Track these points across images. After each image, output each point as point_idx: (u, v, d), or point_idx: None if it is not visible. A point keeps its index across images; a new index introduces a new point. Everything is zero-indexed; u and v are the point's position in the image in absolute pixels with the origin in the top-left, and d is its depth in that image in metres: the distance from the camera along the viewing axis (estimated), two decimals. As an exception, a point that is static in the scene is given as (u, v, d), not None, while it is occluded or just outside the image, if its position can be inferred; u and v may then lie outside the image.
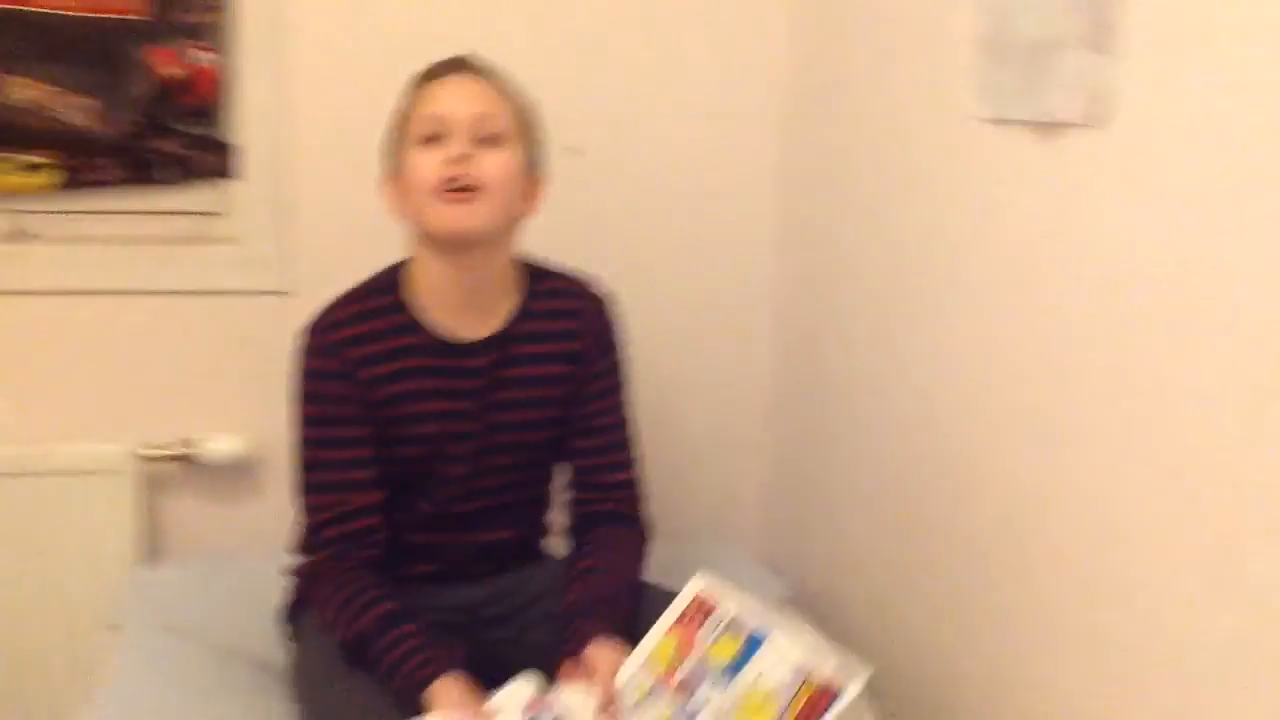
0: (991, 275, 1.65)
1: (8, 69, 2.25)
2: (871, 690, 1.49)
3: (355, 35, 2.32)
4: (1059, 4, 1.42)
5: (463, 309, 1.81)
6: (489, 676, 1.84)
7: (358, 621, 1.70)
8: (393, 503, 1.81)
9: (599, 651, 1.66)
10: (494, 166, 1.73)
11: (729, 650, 1.58)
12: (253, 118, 2.30)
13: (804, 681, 1.48)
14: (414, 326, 1.80)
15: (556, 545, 2.01)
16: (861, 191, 2.07)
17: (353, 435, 1.78)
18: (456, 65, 1.78)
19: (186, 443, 2.35)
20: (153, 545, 2.36)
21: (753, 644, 1.56)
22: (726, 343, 2.54)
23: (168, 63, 2.30)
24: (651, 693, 1.60)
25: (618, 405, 1.91)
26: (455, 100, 1.73)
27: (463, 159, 1.70)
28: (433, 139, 1.72)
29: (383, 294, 1.82)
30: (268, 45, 2.28)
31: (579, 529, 1.89)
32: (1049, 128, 1.48)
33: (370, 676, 1.67)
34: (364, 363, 1.78)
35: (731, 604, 1.62)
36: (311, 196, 2.34)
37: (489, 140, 1.73)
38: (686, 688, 1.57)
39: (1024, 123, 1.53)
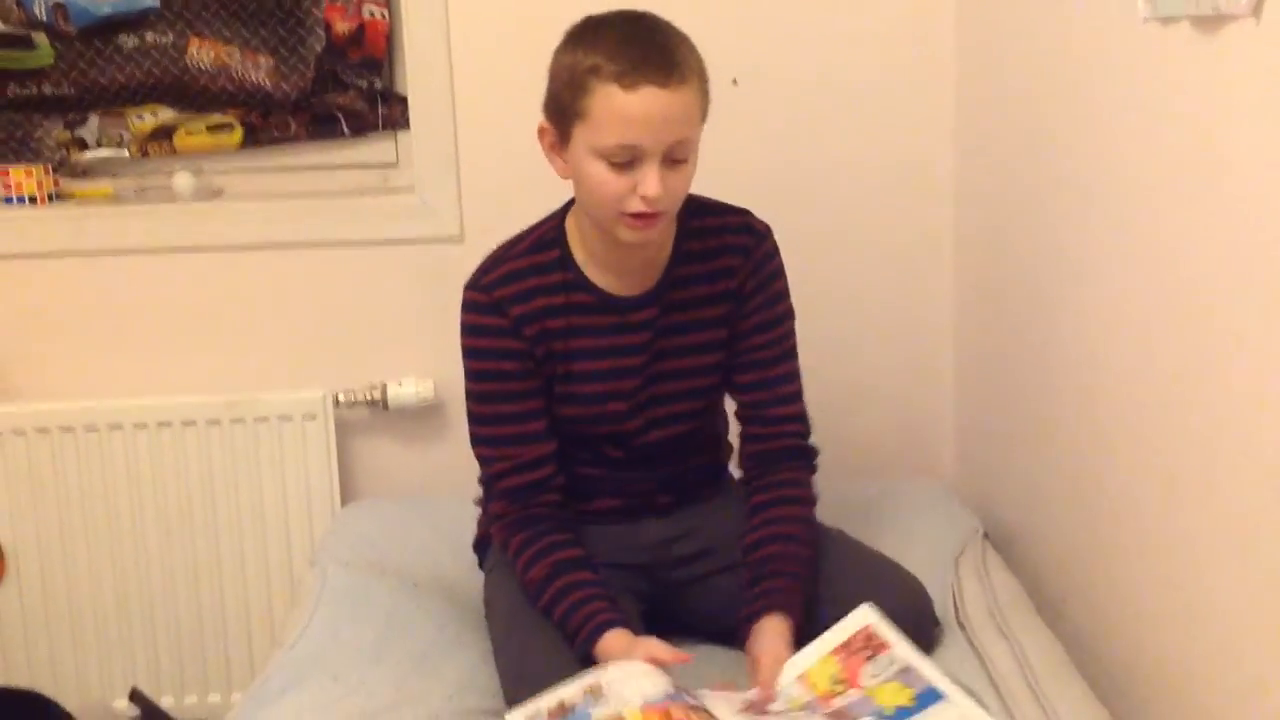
0: (1161, 183, 1.57)
1: (193, 32, 2.36)
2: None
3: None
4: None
5: (627, 271, 1.78)
6: (675, 618, 1.87)
7: (532, 568, 1.74)
8: (569, 444, 1.82)
9: (767, 642, 1.66)
10: (680, 185, 1.66)
11: (901, 697, 1.53)
12: (420, 68, 2.35)
13: None
14: (581, 284, 1.77)
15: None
16: (1033, 105, 2.00)
17: (522, 389, 1.77)
18: (647, 66, 1.58)
19: (378, 387, 2.43)
20: (348, 486, 2.46)
21: (929, 697, 1.52)
22: (907, 273, 2.47)
23: (341, 18, 2.36)
24: (806, 708, 1.57)
25: (782, 338, 1.84)
26: (649, 126, 1.59)
27: (657, 199, 1.61)
28: (622, 164, 1.61)
29: (547, 249, 1.78)
30: (432, -7, 2.31)
31: (753, 467, 1.86)
32: (1212, 21, 1.40)
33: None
34: (530, 319, 1.75)
35: (904, 651, 1.57)
36: (478, 143, 2.38)
37: (679, 160, 1.63)
38: (844, 716, 1.53)
39: (1188, 18, 1.45)
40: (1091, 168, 1.79)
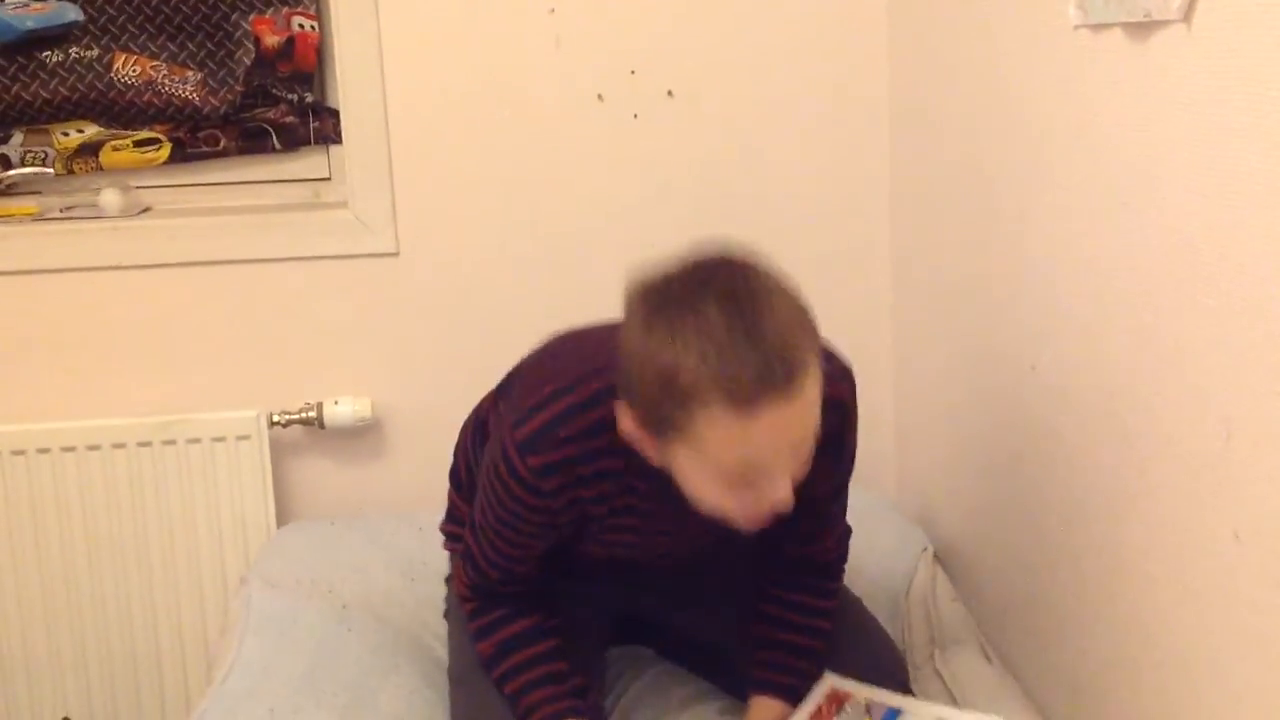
0: (1094, 191, 1.56)
1: (118, 46, 2.31)
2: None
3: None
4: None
5: None
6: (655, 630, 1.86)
7: (480, 640, 1.67)
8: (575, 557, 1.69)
9: None
10: (807, 470, 1.42)
11: None
12: (351, 81, 2.30)
13: None
14: (633, 471, 1.52)
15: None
16: (967, 115, 1.99)
17: (538, 546, 1.62)
18: (768, 376, 1.27)
19: (313, 406, 2.39)
20: (283, 508, 2.42)
21: (890, 715, 1.56)
22: (845, 282, 2.45)
23: (269, 31, 2.32)
24: None
25: (841, 488, 1.69)
26: (777, 446, 1.33)
27: (788, 503, 1.39)
28: (747, 482, 1.37)
29: (597, 436, 1.49)
30: (363, 6, 2.27)
31: (776, 570, 1.73)
32: (1143, 27, 1.39)
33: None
34: (574, 503, 1.55)
35: (868, 692, 1.59)
36: (412, 156, 2.34)
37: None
38: None
39: (1119, 25, 1.44)
40: (1026, 177, 1.78)
